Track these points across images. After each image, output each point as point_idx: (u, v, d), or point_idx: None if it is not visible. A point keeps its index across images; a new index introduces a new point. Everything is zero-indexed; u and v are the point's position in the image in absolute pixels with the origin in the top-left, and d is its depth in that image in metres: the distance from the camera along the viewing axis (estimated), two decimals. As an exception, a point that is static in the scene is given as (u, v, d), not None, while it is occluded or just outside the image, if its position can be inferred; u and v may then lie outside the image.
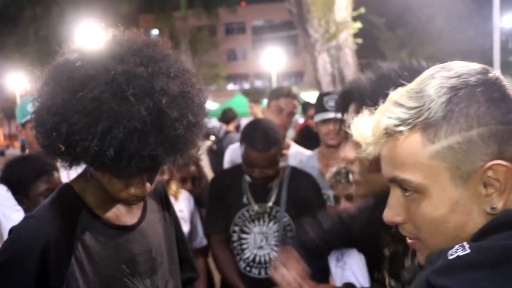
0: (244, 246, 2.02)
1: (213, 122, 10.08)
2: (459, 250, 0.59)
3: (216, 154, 5.36)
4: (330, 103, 2.32)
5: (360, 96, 0.99)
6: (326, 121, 2.34)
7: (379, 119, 0.68)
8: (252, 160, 1.91)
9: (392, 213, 0.71)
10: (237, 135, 6.28)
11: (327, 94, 2.39)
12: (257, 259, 2.01)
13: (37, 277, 0.94)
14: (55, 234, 0.96)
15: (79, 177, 1.09)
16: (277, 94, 2.74)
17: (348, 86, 1.08)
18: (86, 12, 15.53)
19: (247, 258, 2.02)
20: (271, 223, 2.01)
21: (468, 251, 0.58)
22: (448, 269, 0.58)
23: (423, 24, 19.74)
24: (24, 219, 1.02)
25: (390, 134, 0.67)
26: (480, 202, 0.63)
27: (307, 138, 4.27)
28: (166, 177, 1.97)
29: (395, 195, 0.70)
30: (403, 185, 0.67)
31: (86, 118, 0.86)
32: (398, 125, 0.65)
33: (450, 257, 0.59)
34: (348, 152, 1.04)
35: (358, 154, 0.93)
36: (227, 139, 5.64)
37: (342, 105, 1.07)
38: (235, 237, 2.04)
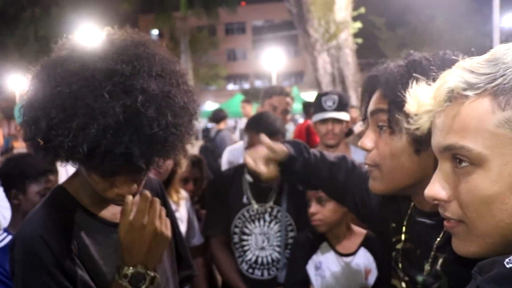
0: (246, 248, 2.01)
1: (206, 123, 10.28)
2: None
3: (211, 153, 5.55)
4: (329, 103, 2.33)
5: (386, 83, 0.94)
6: (324, 121, 2.34)
7: (443, 82, 0.62)
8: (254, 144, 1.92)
9: (437, 188, 0.64)
10: (229, 133, 6.53)
11: (325, 94, 2.40)
12: (259, 260, 1.99)
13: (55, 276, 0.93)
14: (54, 237, 0.95)
15: (72, 177, 1.08)
16: (270, 92, 2.77)
17: (374, 72, 1.03)
18: (85, 12, 15.53)
19: (249, 259, 2.00)
20: (272, 224, 2.00)
21: None
22: (505, 279, 0.53)
23: (423, 24, 19.75)
24: (22, 226, 1.00)
25: (453, 98, 0.61)
26: None
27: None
28: (163, 176, 1.96)
29: (444, 169, 0.64)
30: (460, 154, 0.60)
31: (63, 113, 0.86)
32: (466, 89, 0.60)
33: (508, 266, 0.53)
34: (365, 142, 0.98)
35: (378, 143, 0.96)
36: (219, 137, 5.84)
37: (367, 91, 1.03)
38: (236, 239, 2.02)
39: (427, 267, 0.95)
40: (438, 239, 0.93)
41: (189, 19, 20.21)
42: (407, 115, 0.73)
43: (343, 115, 2.35)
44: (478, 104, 0.59)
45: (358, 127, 3.71)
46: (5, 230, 1.66)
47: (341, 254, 1.74)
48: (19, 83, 25.37)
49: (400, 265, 1.04)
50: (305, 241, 1.81)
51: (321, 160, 1.30)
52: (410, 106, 0.67)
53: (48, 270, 0.93)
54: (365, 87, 1.05)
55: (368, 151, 0.99)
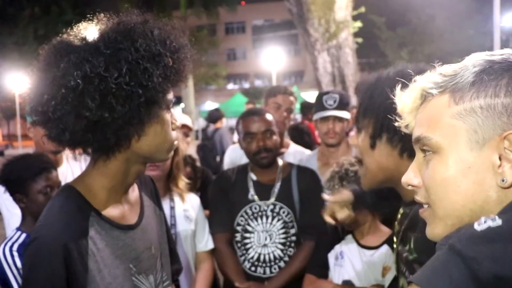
0: (248, 246, 2.01)
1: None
2: (489, 221, 0.57)
3: (209, 151, 5.81)
4: (330, 101, 2.33)
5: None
6: (325, 119, 2.35)
7: (416, 83, 0.72)
8: (246, 127, 1.98)
9: (410, 175, 0.72)
10: (226, 130, 6.72)
11: (327, 93, 2.40)
12: (262, 258, 2.00)
13: (66, 280, 0.94)
14: (72, 239, 0.95)
15: (80, 178, 1.07)
16: (274, 91, 2.79)
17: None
18: (85, 11, 15.52)
19: (252, 257, 2.00)
20: (275, 221, 2.01)
21: (499, 222, 0.56)
22: (479, 238, 0.56)
23: (423, 24, 19.73)
24: (37, 228, 0.98)
25: (424, 96, 0.71)
26: (492, 173, 0.62)
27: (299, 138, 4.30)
28: (159, 173, 1.94)
29: (417, 158, 0.73)
30: (423, 144, 0.69)
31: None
32: (432, 88, 0.69)
33: (479, 228, 0.57)
34: (352, 140, 1.14)
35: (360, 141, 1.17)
36: (217, 135, 6.04)
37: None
38: (238, 237, 2.03)
39: (404, 243, 1.12)
40: (406, 222, 1.13)
41: (189, 19, 20.22)
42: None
43: (344, 114, 2.35)
44: (439, 100, 0.68)
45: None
46: (18, 229, 1.72)
47: (363, 246, 1.77)
48: (18, 82, 25.38)
49: (394, 241, 1.23)
50: (333, 230, 1.86)
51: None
52: (398, 107, 0.77)
53: (61, 283, 0.94)
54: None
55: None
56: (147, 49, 0.94)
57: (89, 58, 0.91)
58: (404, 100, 0.75)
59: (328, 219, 1.55)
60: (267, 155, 1.98)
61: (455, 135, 0.65)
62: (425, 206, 0.71)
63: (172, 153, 1.12)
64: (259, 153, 1.97)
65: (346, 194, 1.54)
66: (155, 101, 0.98)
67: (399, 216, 1.22)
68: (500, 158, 0.62)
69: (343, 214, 1.54)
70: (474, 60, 0.67)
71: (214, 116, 6.66)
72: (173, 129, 1.07)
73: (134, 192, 1.16)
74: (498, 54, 0.67)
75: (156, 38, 0.97)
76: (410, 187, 0.73)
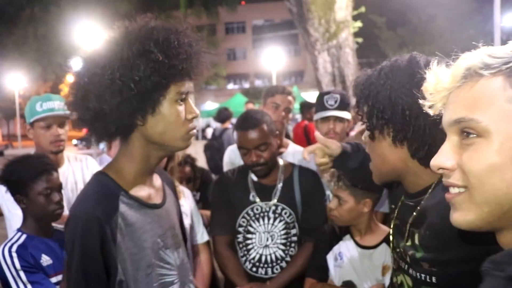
0: (250, 247, 2.01)
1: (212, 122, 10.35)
2: None
3: (217, 151, 5.71)
4: (330, 101, 2.33)
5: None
6: (326, 119, 2.34)
7: (462, 61, 0.68)
8: (240, 141, 1.97)
9: (443, 158, 0.69)
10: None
11: (328, 93, 2.39)
12: (263, 258, 2.00)
13: (101, 249, 1.07)
14: (104, 211, 1.09)
15: (110, 164, 1.21)
16: (273, 91, 2.79)
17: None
18: (85, 11, 15.51)
19: (253, 258, 2.00)
20: (277, 222, 2.00)
21: None
22: None
23: (423, 24, 19.73)
24: (73, 207, 1.14)
25: (470, 76, 0.67)
26: None
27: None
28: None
29: (451, 141, 0.69)
30: (468, 127, 0.65)
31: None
32: (482, 68, 0.65)
33: None
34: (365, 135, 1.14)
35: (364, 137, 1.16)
36: (225, 136, 5.94)
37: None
38: (240, 238, 2.03)
39: (409, 241, 1.11)
40: (412, 217, 1.10)
41: (188, 19, 20.20)
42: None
43: (345, 114, 2.34)
44: (491, 81, 0.64)
45: (359, 126, 3.69)
46: (19, 230, 1.72)
47: (362, 246, 1.77)
48: (18, 82, 25.38)
49: (392, 238, 1.22)
50: (330, 231, 1.86)
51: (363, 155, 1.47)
52: (429, 84, 0.73)
53: (97, 248, 1.07)
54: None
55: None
56: (139, 47, 1.06)
57: (96, 59, 1.09)
58: (441, 77, 0.70)
59: (306, 154, 1.53)
60: (262, 168, 1.98)
61: (508, 121, 0.62)
62: (457, 190, 0.68)
63: (191, 142, 1.21)
64: (253, 166, 1.98)
65: (336, 144, 1.49)
66: (149, 93, 1.07)
67: (396, 211, 1.20)
68: None
69: (321, 160, 1.50)
70: None
71: (223, 116, 6.49)
72: (188, 119, 1.16)
73: (157, 181, 1.31)
74: None
75: (148, 37, 1.08)
76: (440, 171, 0.70)
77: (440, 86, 0.70)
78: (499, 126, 0.62)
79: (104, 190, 1.14)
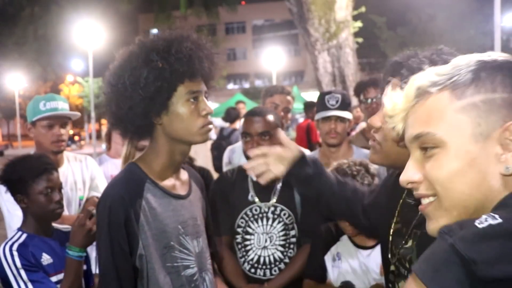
0: (248, 248, 2.00)
1: (217, 122, 10.21)
2: (489, 219, 0.59)
3: (224, 150, 5.66)
4: (332, 101, 2.33)
5: (409, 70, 1.02)
6: (327, 119, 2.34)
7: (412, 82, 0.75)
8: (245, 127, 1.97)
9: (410, 173, 0.74)
10: None
11: (329, 93, 2.39)
12: (262, 260, 1.98)
13: (125, 224, 1.25)
14: (129, 193, 1.27)
15: (141, 156, 1.39)
16: (271, 91, 2.80)
17: (399, 59, 1.11)
18: (85, 11, 15.49)
19: (252, 259, 1.99)
20: (275, 223, 1.99)
21: (499, 220, 0.58)
22: (479, 237, 0.58)
23: (424, 24, 19.74)
24: (104, 191, 1.33)
25: (421, 94, 0.73)
26: (496, 163, 0.67)
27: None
28: None
29: (414, 156, 0.75)
30: (425, 141, 0.71)
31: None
32: (429, 86, 0.72)
33: (480, 226, 0.59)
34: (375, 120, 1.11)
35: (385, 124, 1.07)
36: (233, 136, 5.82)
37: (389, 74, 1.11)
38: (239, 239, 2.02)
39: (409, 243, 1.08)
40: (417, 217, 1.07)
41: (189, 19, 20.17)
42: None
43: (346, 114, 2.34)
44: (440, 96, 0.71)
45: (360, 126, 3.69)
46: (19, 229, 1.72)
47: (359, 246, 1.77)
48: (18, 82, 25.36)
49: (390, 245, 1.18)
50: (327, 232, 1.85)
51: (337, 181, 1.40)
52: (387, 107, 0.79)
53: (120, 222, 1.24)
54: (389, 70, 1.13)
55: (375, 130, 1.13)
56: (144, 57, 1.24)
57: (116, 71, 1.28)
58: (396, 100, 0.77)
59: (251, 173, 1.36)
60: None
61: (459, 129, 0.68)
62: (427, 200, 0.73)
63: (208, 136, 1.35)
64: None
65: (296, 146, 1.36)
66: (155, 95, 1.24)
67: (396, 212, 1.17)
68: (502, 147, 0.66)
69: (277, 169, 1.32)
70: (467, 60, 0.72)
71: (232, 115, 6.27)
72: (202, 115, 1.30)
73: (184, 176, 1.46)
74: (486, 55, 0.72)
75: (152, 47, 1.25)
76: (409, 185, 0.75)
77: (397, 108, 0.77)
78: (452, 135, 0.69)
79: (133, 176, 1.32)
